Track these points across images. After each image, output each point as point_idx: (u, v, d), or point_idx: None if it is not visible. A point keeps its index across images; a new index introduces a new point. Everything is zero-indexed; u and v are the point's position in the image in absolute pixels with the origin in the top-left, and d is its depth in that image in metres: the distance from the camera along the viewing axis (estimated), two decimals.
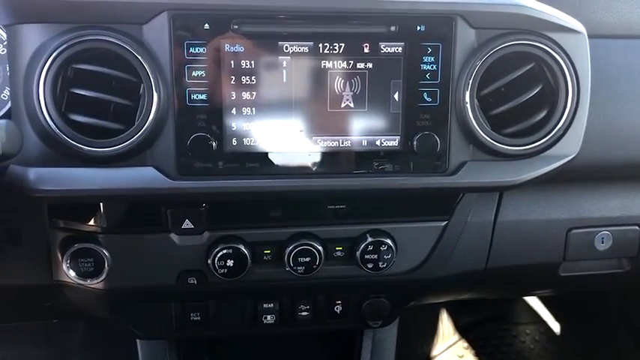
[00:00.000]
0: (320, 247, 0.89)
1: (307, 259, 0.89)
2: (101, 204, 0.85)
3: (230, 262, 0.87)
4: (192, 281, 0.90)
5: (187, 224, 0.85)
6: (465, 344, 1.78)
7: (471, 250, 0.96)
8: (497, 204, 0.96)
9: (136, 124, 0.75)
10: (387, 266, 0.91)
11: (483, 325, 1.81)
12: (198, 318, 0.98)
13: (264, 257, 0.90)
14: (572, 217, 0.97)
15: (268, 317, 0.99)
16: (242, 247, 0.87)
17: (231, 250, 0.87)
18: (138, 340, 1.09)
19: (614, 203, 0.98)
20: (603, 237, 0.97)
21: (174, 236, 0.88)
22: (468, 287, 1.04)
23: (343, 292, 0.99)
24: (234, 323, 1.00)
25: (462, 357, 1.75)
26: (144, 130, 0.74)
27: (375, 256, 0.90)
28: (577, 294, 1.76)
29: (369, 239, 0.89)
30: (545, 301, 1.83)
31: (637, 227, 0.98)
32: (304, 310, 1.00)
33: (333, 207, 0.89)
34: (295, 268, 0.89)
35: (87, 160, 0.75)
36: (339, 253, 0.92)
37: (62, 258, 0.87)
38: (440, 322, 1.80)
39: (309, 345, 1.26)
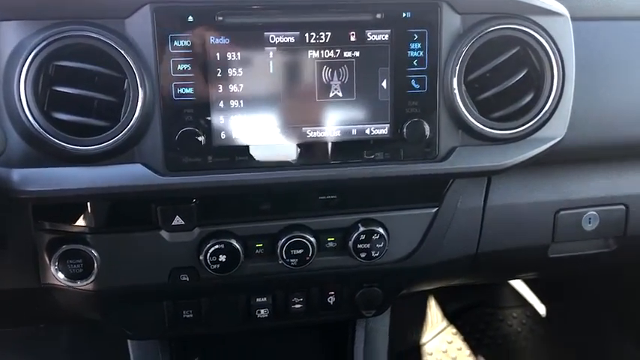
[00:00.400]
0: (312, 239, 0.88)
1: (300, 251, 0.88)
2: (88, 203, 0.84)
3: (222, 257, 0.87)
4: (184, 278, 0.89)
5: (178, 221, 0.84)
6: (454, 330, 1.79)
7: (461, 235, 0.96)
8: (486, 189, 0.96)
9: (122, 120, 0.73)
10: (379, 255, 0.91)
11: (471, 310, 1.83)
12: (191, 316, 0.97)
13: (257, 251, 0.90)
14: (560, 199, 0.98)
15: (262, 311, 0.98)
16: (234, 242, 0.87)
17: (223, 245, 0.86)
18: (129, 342, 1.08)
19: (599, 184, 1.00)
20: (590, 217, 0.98)
21: (164, 233, 0.86)
22: (459, 273, 1.05)
23: (336, 282, 0.99)
24: (227, 319, 1.00)
25: (450, 343, 1.77)
26: (130, 127, 0.73)
27: (368, 245, 0.90)
28: (562, 276, 1.79)
29: (361, 228, 0.89)
30: (530, 284, 1.86)
31: (622, 206, 1.00)
32: (298, 303, 1.00)
33: (324, 198, 0.88)
34: (288, 260, 0.88)
35: (72, 159, 0.73)
36: (331, 244, 0.92)
37: (50, 260, 0.85)
38: (428, 310, 1.81)
39: (302, 339, 1.26)
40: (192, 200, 0.84)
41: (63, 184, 0.74)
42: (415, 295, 1.12)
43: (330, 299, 1.01)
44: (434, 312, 1.81)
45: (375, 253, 0.91)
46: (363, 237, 0.90)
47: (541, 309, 1.84)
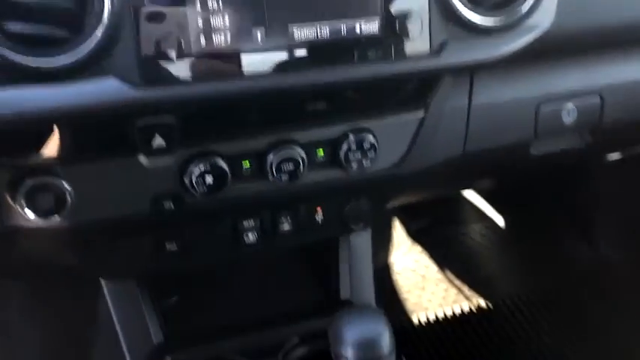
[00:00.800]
0: (302, 153, 0.84)
1: (290, 167, 0.84)
2: (55, 128, 0.75)
3: (209, 179, 0.81)
4: (168, 205, 0.83)
5: (158, 141, 0.77)
6: (419, 248, 1.83)
7: (448, 137, 0.95)
8: (470, 89, 0.95)
9: (86, 29, 0.65)
10: (370, 163, 0.88)
11: (433, 228, 1.86)
12: (175, 248, 0.91)
13: (245, 170, 0.84)
14: (540, 93, 0.98)
15: (249, 235, 0.94)
16: (220, 161, 0.81)
17: (209, 166, 0.80)
18: (104, 284, 1.01)
19: (577, 76, 1.00)
20: (569, 110, 0.99)
21: (142, 158, 0.79)
22: (447, 177, 1.04)
23: (325, 198, 0.96)
24: (213, 248, 0.95)
25: (417, 261, 1.81)
26: (98, 35, 0.65)
27: (359, 155, 0.87)
28: (518, 186, 1.85)
29: (351, 137, 0.86)
30: (488, 197, 1.91)
31: (598, 97, 1.01)
32: (285, 223, 0.96)
33: (313, 108, 0.83)
34: (279, 176, 0.84)
35: (34, 75, 0.64)
36: (321, 158, 0.88)
37: (14, 198, 0.76)
38: (392, 230, 1.83)
39: (284, 269, 1.23)
40: (173, 117, 0.77)
41: (25, 105, 0.65)
42: (378, 217, 1.11)
43: (317, 217, 0.98)
44: (398, 232, 1.84)
45: (367, 161, 0.88)
46: (353, 146, 0.86)
47: (500, 220, 1.90)
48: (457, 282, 1.77)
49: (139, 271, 0.94)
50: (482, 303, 1.72)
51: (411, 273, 1.76)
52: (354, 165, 0.87)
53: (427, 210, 1.90)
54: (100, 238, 0.87)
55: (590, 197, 1.77)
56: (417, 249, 1.83)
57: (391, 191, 0.99)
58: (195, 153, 0.81)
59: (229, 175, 0.82)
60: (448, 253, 1.83)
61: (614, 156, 1.35)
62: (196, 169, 0.80)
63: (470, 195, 1.94)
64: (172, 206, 0.83)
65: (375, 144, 0.87)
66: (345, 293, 1.13)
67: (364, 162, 0.88)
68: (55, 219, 0.78)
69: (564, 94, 1.00)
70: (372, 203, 1.00)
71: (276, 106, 0.83)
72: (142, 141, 0.76)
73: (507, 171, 1.18)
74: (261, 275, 1.20)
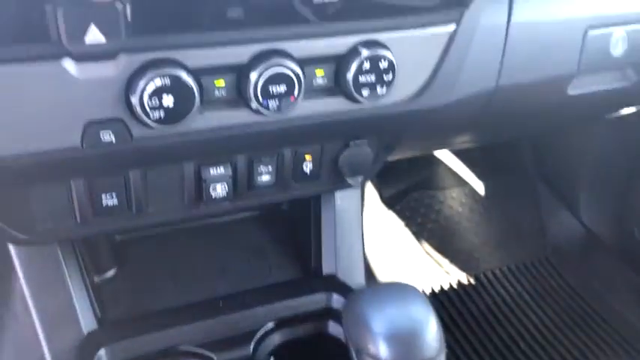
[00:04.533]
0: (298, 70, 0.63)
1: (282, 89, 0.63)
2: None
3: (168, 100, 0.58)
4: (107, 138, 0.60)
5: (94, 35, 0.53)
6: (393, 216, 1.66)
7: (481, 63, 0.76)
8: (510, 1, 0.76)
9: None
10: (386, 91, 0.68)
11: (409, 194, 1.70)
12: (115, 201, 0.69)
13: (217, 92, 0.63)
14: (590, 14, 0.81)
15: (218, 188, 0.72)
16: (184, 76, 0.59)
17: (168, 80, 0.58)
18: (13, 250, 0.77)
19: None
20: (619, 39, 0.83)
21: (70, 64, 0.56)
22: (467, 121, 0.85)
23: (320, 139, 0.75)
24: (167, 203, 0.73)
25: (391, 232, 1.64)
26: None
27: (372, 78, 0.67)
28: (499, 148, 1.72)
29: (365, 53, 0.65)
30: (466, 161, 1.77)
31: None
32: (265, 173, 0.75)
33: (314, 4, 0.62)
34: (265, 103, 0.63)
35: None
36: (320, 80, 0.67)
37: None
38: (362, 196, 1.65)
39: (252, 234, 1.02)
40: None
41: None
42: (376, 169, 0.92)
43: (306, 165, 0.78)
44: (368, 197, 1.66)
45: (382, 88, 0.68)
46: (367, 65, 0.66)
47: (479, 186, 1.76)
48: (435, 255, 1.62)
49: (63, 233, 0.71)
50: (463, 278, 1.57)
51: (384, 245, 1.59)
52: (365, 93, 0.67)
53: (400, 173, 1.72)
54: (7, 182, 0.63)
55: (575, 162, 1.66)
56: (390, 217, 1.66)
57: (403, 133, 0.80)
58: (149, 60, 0.58)
59: (197, 96, 0.60)
60: (426, 222, 1.67)
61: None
62: (150, 85, 0.57)
63: (446, 157, 1.79)
64: (113, 139, 0.60)
65: (394, 64, 0.67)
66: (328, 267, 0.94)
67: (378, 89, 0.67)
68: None
69: (616, 17, 0.83)
70: (377, 149, 0.80)
71: (265, 1, 0.61)
72: (70, 33, 0.53)
73: (534, 122, 1.01)
74: (223, 242, 0.99)
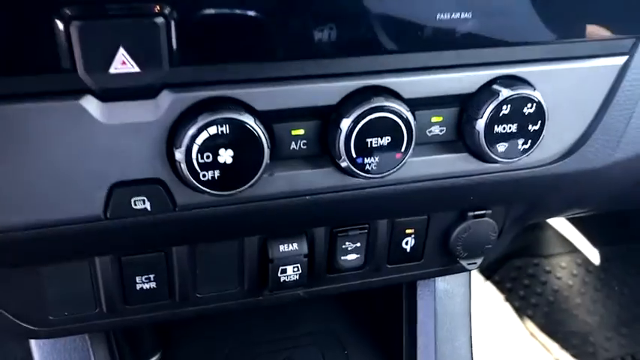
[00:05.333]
0: (408, 115, 0.45)
1: (384, 142, 0.45)
2: None
3: (227, 156, 0.42)
4: (141, 205, 0.44)
5: (123, 64, 0.38)
6: (491, 288, 1.43)
7: None
8: None
9: None
10: (530, 146, 0.49)
11: (508, 261, 1.46)
12: (153, 285, 0.52)
13: (294, 144, 0.45)
14: None
15: (289, 270, 0.54)
16: (250, 122, 0.42)
17: (227, 128, 0.41)
18: (33, 344, 0.62)
19: None
20: None
21: (91, 104, 0.40)
22: (637, 184, 0.64)
23: (425, 209, 0.56)
24: (222, 289, 0.55)
25: (489, 307, 1.40)
26: None
27: (513, 128, 0.47)
28: (615, 212, 1.46)
29: (505, 93, 0.46)
30: (576, 223, 1.51)
31: None
32: (351, 252, 0.57)
33: (440, 18, 0.44)
34: (361, 160, 0.45)
35: None
36: (436, 130, 0.48)
37: None
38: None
39: (321, 324, 0.83)
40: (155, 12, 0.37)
41: None
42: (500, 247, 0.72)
43: (406, 242, 0.59)
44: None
45: (525, 143, 0.48)
46: (506, 111, 0.47)
47: (593, 254, 1.50)
48: (542, 337, 1.36)
49: (83, 326, 0.54)
50: None
51: (480, 323, 1.35)
52: (501, 148, 0.48)
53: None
54: (13, 261, 0.48)
55: None
56: (488, 289, 1.43)
57: (542, 203, 0.60)
58: (201, 100, 0.42)
59: (266, 150, 0.43)
60: (529, 295, 1.42)
61: None
62: (202, 134, 0.41)
63: (552, 219, 1.55)
64: (148, 207, 0.44)
65: (544, 110, 0.48)
66: None
67: (519, 144, 0.48)
68: None
69: None
70: (503, 223, 0.60)
71: (363, 18, 0.43)
72: (89, 60, 0.37)
73: None
74: (289, 324, 0.80)
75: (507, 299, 1.40)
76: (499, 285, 1.43)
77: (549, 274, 1.47)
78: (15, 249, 0.46)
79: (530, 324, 1.38)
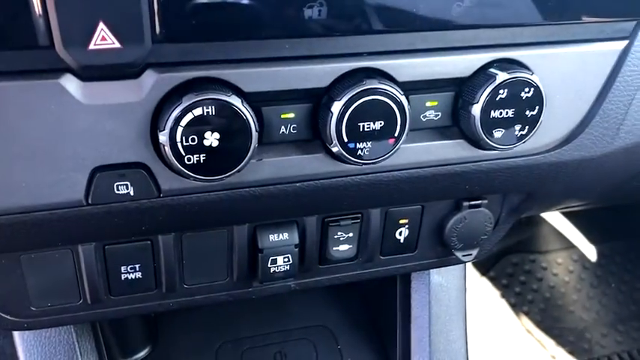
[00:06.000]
0: (402, 99, 0.43)
1: (377, 126, 0.43)
2: None
3: (213, 139, 0.40)
4: (123, 190, 0.42)
5: (104, 39, 0.36)
6: (487, 284, 1.41)
7: None
8: None
9: None
10: (528, 132, 0.47)
11: (504, 257, 1.45)
12: (138, 275, 0.50)
13: (283, 128, 0.44)
14: None
15: (279, 261, 0.53)
16: (237, 103, 0.40)
17: (213, 109, 0.39)
18: (16, 336, 0.60)
19: None
20: None
21: (71, 83, 0.38)
22: (636, 174, 0.63)
23: (419, 198, 0.55)
24: (209, 280, 0.54)
25: (484, 303, 1.39)
26: None
27: (510, 113, 0.46)
28: (612, 208, 1.45)
29: (501, 77, 0.45)
30: (573, 219, 1.50)
31: None
32: (343, 242, 0.56)
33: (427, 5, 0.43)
34: (352, 145, 0.43)
35: None
36: (431, 115, 0.47)
37: None
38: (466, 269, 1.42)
39: (306, 306, 0.82)
40: None
41: None
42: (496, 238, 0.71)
43: (400, 232, 0.58)
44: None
45: (522, 129, 0.47)
46: (502, 95, 0.45)
47: (590, 250, 1.49)
48: (537, 333, 1.35)
49: (65, 317, 0.53)
50: None
51: (475, 319, 1.34)
52: (497, 134, 0.47)
53: None
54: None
55: None
56: (483, 285, 1.41)
57: (540, 192, 0.58)
58: (186, 80, 0.40)
59: (254, 134, 0.41)
60: (525, 291, 1.41)
61: None
62: (187, 116, 0.39)
63: (549, 213, 1.53)
64: (131, 192, 0.42)
65: (542, 95, 0.46)
66: None
67: (516, 130, 0.47)
68: None
69: None
70: (499, 213, 0.59)
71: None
72: (68, 35, 0.35)
73: None
74: (281, 317, 0.79)
75: (503, 295, 1.39)
76: (495, 281, 1.42)
77: (545, 271, 1.46)
78: None
79: (525, 320, 1.37)
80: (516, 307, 1.38)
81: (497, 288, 1.41)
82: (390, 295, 0.76)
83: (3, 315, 0.50)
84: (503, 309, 1.38)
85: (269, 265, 0.53)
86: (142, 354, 0.74)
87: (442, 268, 0.73)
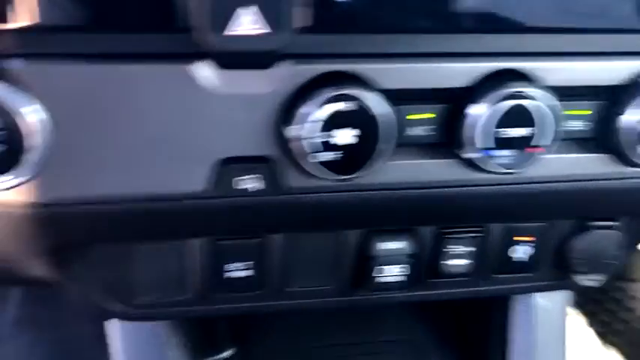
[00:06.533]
0: (553, 105, 0.39)
1: (519, 133, 0.40)
2: None
3: (349, 136, 0.38)
4: (247, 184, 0.40)
5: (242, 24, 0.34)
6: (569, 310, 1.33)
7: None
8: None
9: None
10: None
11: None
12: (245, 273, 0.48)
13: (421, 129, 0.41)
14: None
15: (392, 270, 0.50)
16: (375, 99, 0.37)
17: (355, 105, 0.37)
18: (109, 326, 0.59)
19: None
20: None
21: (201, 70, 0.37)
22: None
23: (546, 214, 0.50)
24: (314, 285, 0.51)
25: (569, 330, 1.31)
26: None
27: None
28: None
29: None
30: None
31: None
32: (460, 256, 0.52)
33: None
34: (488, 153, 0.40)
35: None
36: (578, 125, 0.43)
37: None
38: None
39: (396, 319, 0.78)
40: None
41: None
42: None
43: (522, 250, 0.53)
44: None
45: None
46: None
47: None
48: None
49: (168, 310, 0.51)
50: None
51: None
52: None
53: None
54: (100, 235, 0.45)
55: None
56: (568, 311, 1.34)
57: None
58: (326, 73, 0.38)
59: (392, 133, 0.38)
60: (613, 321, 1.33)
61: None
62: (324, 109, 0.37)
63: None
64: (255, 187, 0.40)
65: None
66: None
67: None
68: (6, 179, 0.37)
69: None
70: (631, 236, 0.54)
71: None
72: (208, 19, 0.34)
73: None
74: (369, 330, 0.76)
75: (589, 325, 1.31)
76: (580, 308, 1.34)
77: (636, 301, 1.36)
78: (108, 223, 0.43)
79: (613, 352, 1.28)
80: (603, 337, 1.30)
81: (582, 315, 1.33)
82: (484, 314, 0.72)
83: (108, 305, 0.49)
84: (589, 338, 1.30)
85: (381, 275, 0.50)
86: (226, 353, 0.73)
87: (546, 298, 0.68)
